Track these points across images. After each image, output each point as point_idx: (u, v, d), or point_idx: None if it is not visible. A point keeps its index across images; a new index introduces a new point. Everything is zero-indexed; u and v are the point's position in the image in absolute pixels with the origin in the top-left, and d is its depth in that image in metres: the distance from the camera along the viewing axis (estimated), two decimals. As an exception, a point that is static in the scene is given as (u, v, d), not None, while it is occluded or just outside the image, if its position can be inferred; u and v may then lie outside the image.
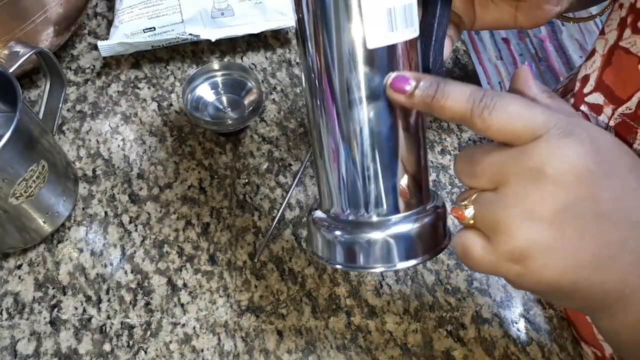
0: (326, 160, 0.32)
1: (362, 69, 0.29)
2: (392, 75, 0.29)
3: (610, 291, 0.27)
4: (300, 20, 0.30)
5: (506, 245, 0.26)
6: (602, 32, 0.44)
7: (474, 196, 0.28)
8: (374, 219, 0.31)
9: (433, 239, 0.32)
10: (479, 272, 0.34)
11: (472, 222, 0.28)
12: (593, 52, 0.45)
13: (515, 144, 0.26)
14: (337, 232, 0.32)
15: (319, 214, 0.34)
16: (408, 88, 0.28)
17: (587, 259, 0.26)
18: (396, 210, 0.31)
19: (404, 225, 0.31)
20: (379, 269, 0.31)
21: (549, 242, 0.26)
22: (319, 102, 0.31)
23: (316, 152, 0.32)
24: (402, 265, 0.31)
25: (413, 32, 0.29)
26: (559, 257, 0.26)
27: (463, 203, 0.29)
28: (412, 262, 0.31)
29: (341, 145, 0.31)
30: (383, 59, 0.29)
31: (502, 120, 0.26)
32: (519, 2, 0.38)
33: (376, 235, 0.31)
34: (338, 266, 0.32)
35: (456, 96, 0.27)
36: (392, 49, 0.29)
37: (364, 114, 0.30)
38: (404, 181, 0.31)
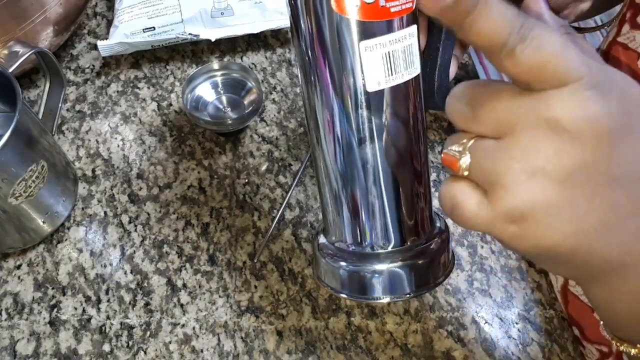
0: (329, 196, 0.32)
1: (363, 110, 0.29)
2: None
3: (610, 259, 0.24)
4: (301, 60, 0.30)
5: (505, 203, 0.23)
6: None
7: (471, 142, 0.24)
8: (380, 251, 0.31)
9: (440, 265, 0.32)
10: (467, 229, 0.32)
11: (466, 173, 0.25)
12: (597, 50, 0.45)
13: (535, 88, 0.23)
14: (342, 263, 0.32)
15: (323, 240, 0.34)
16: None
17: (593, 225, 0.23)
18: (402, 242, 0.31)
19: (410, 256, 0.31)
20: (386, 299, 0.31)
21: (554, 204, 0.23)
22: (320, 139, 0.31)
23: (320, 183, 0.32)
24: (411, 295, 0.31)
25: (414, 71, 0.29)
26: (563, 221, 0.23)
27: (457, 149, 0.25)
28: (422, 291, 0.31)
29: (345, 183, 0.31)
30: (384, 99, 0.29)
31: (533, 59, 0.22)
32: None
33: (382, 267, 0.30)
34: (343, 295, 0.32)
35: (497, 16, 0.22)
36: (393, 88, 0.29)
37: (367, 152, 0.30)
38: (408, 214, 0.31)
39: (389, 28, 0.28)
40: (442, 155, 0.26)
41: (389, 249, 0.31)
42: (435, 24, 0.34)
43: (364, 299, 0.32)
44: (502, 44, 0.22)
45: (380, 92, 0.28)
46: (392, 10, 0.28)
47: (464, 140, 0.25)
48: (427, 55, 0.35)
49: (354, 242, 0.32)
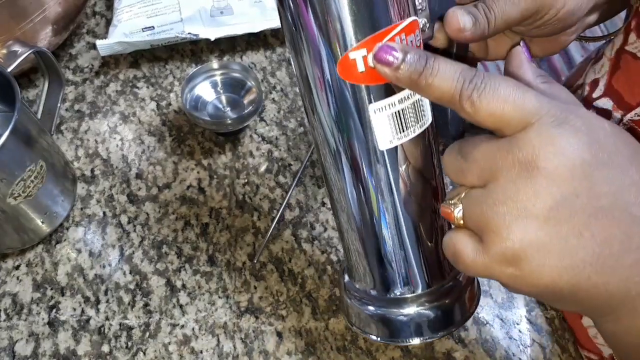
0: (352, 247, 0.33)
1: (379, 166, 0.29)
2: (378, 45, 0.26)
3: (614, 293, 0.24)
4: (313, 129, 0.31)
5: (497, 246, 0.24)
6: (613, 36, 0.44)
7: (463, 194, 0.26)
8: (406, 295, 0.32)
9: (466, 301, 0.32)
10: (472, 275, 0.33)
11: (461, 222, 0.26)
12: (601, 56, 0.45)
13: (505, 133, 0.24)
14: (370, 307, 0.33)
15: (348, 280, 0.35)
16: (393, 60, 0.26)
17: (587, 259, 0.24)
18: (427, 286, 0.32)
19: (437, 297, 0.32)
20: (416, 341, 0.32)
21: (543, 241, 0.24)
22: (339, 193, 0.32)
23: (341, 231, 0.33)
24: (443, 334, 0.32)
25: (425, 122, 0.30)
26: (555, 257, 0.24)
27: (452, 202, 0.27)
28: (452, 328, 0.32)
29: (368, 235, 0.31)
30: (398, 154, 0.29)
31: (491, 103, 0.24)
32: (534, 36, 0.37)
33: (411, 310, 0.31)
34: (373, 337, 0.33)
35: (445, 74, 0.25)
36: (406, 142, 0.29)
37: (387, 205, 0.30)
38: (432, 260, 0.32)
39: (397, 88, 0.28)
40: (440, 208, 0.28)
41: (415, 292, 0.32)
42: (445, 54, 0.34)
43: (395, 341, 0.33)
44: (457, 95, 0.24)
45: (394, 148, 0.29)
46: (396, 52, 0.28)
47: (458, 193, 0.27)
48: None
49: (380, 289, 0.32)
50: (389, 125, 0.28)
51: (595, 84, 0.45)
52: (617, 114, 0.42)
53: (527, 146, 0.23)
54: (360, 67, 0.27)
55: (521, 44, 0.30)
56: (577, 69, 0.54)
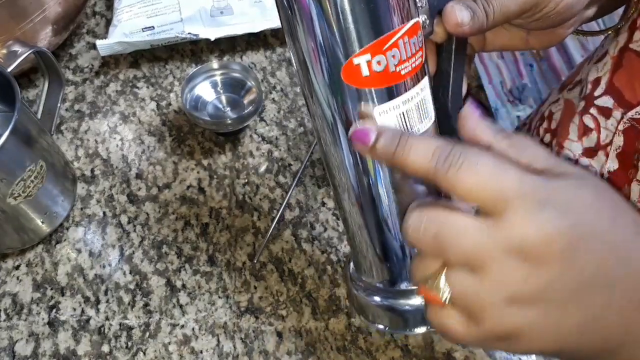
0: (359, 243, 0.33)
1: (383, 166, 0.30)
2: (354, 127, 0.28)
3: (598, 350, 0.27)
4: (316, 124, 0.31)
5: (491, 328, 0.26)
6: (616, 34, 0.44)
7: (443, 275, 0.26)
8: (413, 287, 0.32)
9: None
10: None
11: (449, 303, 0.27)
12: (605, 54, 0.44)
13: (486, 210, 0.25)
14: (377, 298, 0.33)
15: (354, 271, 0.35)
16: (368, 141, 0.27)
17: (572, 328, 0.26)
18: None
19: None
20: (422, 329, 0.33)
21: (533, 321, 0.25)
22: (344, 194, 0.32)
23: (348, 227, 0.33)
24: None
25: (428, 121, 0.30)
26: (544, 332, 0.26)
27: (435, 285, 0.27)
28: None
29: (375, 233, 0.32)
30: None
31: (469, 183, 0.24)
32: (532, 29, 0.37)
33: (417, 301, 0.32)
34: (381, 327, 0.34)
35: (419, 152, 0.26)
36: None
37: (392, 203, 0.30)
38: None
39: (401, 90, 0.28)
40: (420, 291, 0.28)
41: None
42: (444, 48, 0.34)
43: (402, 331, 0.34)
44: (431, 172, 0.25)
45: None
46: (403, 72, 0.28)
47: (435, 273, 0.27)
48: (438, 82, 0.34)
49: (387, 281, 0.33)
50: (394, 126, 0.29)
51: (597, 82, 0.45)
52: (618, 112, 0.42)
53: (513, 234, 0.24)
54: (365, 72, 0.27)
55: (469, 101, 0.30)
56: (577, 67, 0.54)
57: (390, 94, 0.28)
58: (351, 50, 0.27)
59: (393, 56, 0.27)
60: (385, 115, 0.28)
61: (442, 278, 0.26)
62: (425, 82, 0.29)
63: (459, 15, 0.31)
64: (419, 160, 0.25)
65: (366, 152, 0.28)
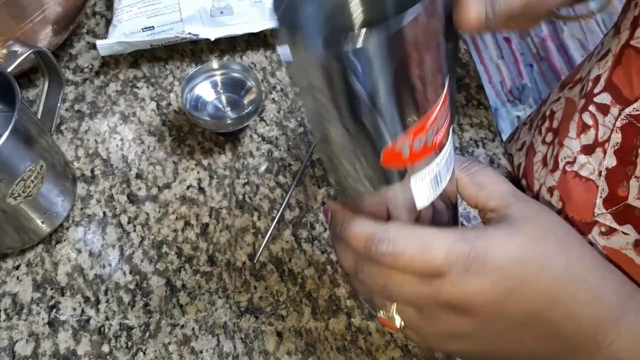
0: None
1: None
2: (325, 206, 0.33)
3: None
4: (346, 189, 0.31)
5: (436, 349, 0.36)
6: (617, 32, 0.44)
7: (394, 308, 0.32)
8: None
9: None
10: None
11: (401, 326, 0.33)
12: (607, 52, 0.44)
13: (424, 275, 0.29)
14: None
15: None
16: (326, 219, 0.32)
17: (503, 356, 0.32)
18: None
19: None
20: None
21: (468, 350, 0.32)
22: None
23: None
24: None
25: (451, 167, 0.30)
26: (479, 356, 0.33)
27: (389, 315, 0.33)
28: None
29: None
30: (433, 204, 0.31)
31: (402, 261, 0.28)
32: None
33: None
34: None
35: (354, 234, 0.29)
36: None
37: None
38: None
39: (436, 155, 0.28)
40: (378, 319, 0.34)
41: None
42: None
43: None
44: (366, 249, 0.29)
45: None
46: (439, 139, 0.28)
47: (386, 307, 0.33)
48: None
49: None
50: (428, 187, 0.29)
51: (597, 79, 0.45)
52: (615, 109, 0.42)
53: (445, 294, 0.29)
54: (406, 155, 0.26)
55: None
56: (578, 66, 0.54)
57: (427, 161, 0.28)
58: (393, 137, 0.25)
59: (433, 130, 0.27)
60: (420, 183, 0.28)
61: (394, 310, 0.32)
62: (450, 137, 0.29)
63: (471, 16, 0.33)
64: (355, 237, 0.29)
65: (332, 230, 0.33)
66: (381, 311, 0.33)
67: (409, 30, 0.22)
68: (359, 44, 0.21)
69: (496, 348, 0.31)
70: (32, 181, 0.44)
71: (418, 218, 0.30)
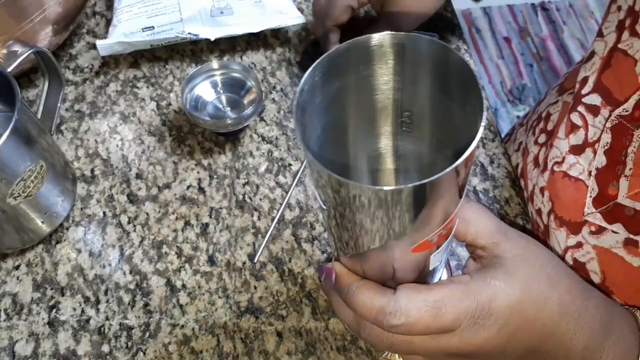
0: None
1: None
2: (328, 265, 0.34)
3: None
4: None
5: None
6: (600, 34, 0.44)
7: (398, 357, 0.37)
8: None
9: None
10: None
11: None
12: (592, 54, 0.45)
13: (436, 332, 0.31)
14: None
15: None
16: (330, 281, 0.33)
17: None
18: None
19: None
20: None
21: None
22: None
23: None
24: None
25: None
26: None
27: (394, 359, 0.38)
28: None
29: None
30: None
31: (416, 329, 0.30)
32: None
33: None
34: None
35: (363, 304, 0.31)
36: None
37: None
38: None
39: (454, 233, 0.31)
40: None
41: None
42: None
43: None
44: (374, 319, 0.31)
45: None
46: (456, 220, 0.30)
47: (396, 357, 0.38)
48: None
49: None
50: (442, 254, 0.31)
51: (585, 81, 0.45)
52: (606, 110, 0.42)
53: (454, 347, 0.31)
54: (434, 241, 0.28)
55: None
56: (574, 69, 0.54)
57: (448, 240, 0.31)
58: (425, 235, 0.27)
59: (456, 219, 0.29)
60: (437, 255, 0.30)
61: (397, 356, 0.36)
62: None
63: None
64: (363, 307, 0.31)
65: (329, 286, 0.34)
66: (384, 355, 0.36)
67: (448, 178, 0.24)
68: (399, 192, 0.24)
69: None
70: (32, 181, 0.44)
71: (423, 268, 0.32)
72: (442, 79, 0.27)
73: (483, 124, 0.24)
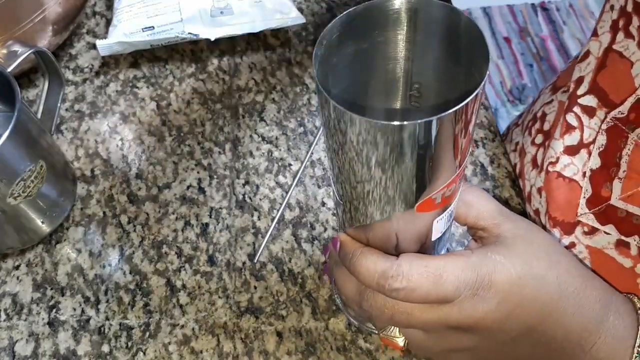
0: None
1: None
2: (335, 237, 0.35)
3: None
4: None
5: None
6: (595, 34, 0.44)
7: (397, 329, 0.36)
8: None
9: None
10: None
11: (405, 346, 0.37)
12: (587, 54, 0.45)
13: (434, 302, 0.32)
14: None
15: None
16: (335, 248, 0.34)
17: None
18: None
19: None
20: None
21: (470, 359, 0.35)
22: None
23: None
24: None
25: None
26: None
27: (392, 334, 0.37)
28: None
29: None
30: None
31: (416, 295, 0.31)
32: None
33: None
34: (371, 326, 0.43)
35: (365, 269, 0.32)
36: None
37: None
38: None
39: (456, 199, 0.31)
40: (382, 338, 0.38)
41: None
42: None
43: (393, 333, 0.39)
44: (378, 285, 0.31)
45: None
46: (459, 181, 0.30)
47: (393, 329, 0.37)
48: None
49: None
50: (444, 223, 0.32)
51: (580, 81, 0.45)
52: (601, 112, 0.42)
53: (452, 317, 0.32)
54: (438, 201, 0.29)
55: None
56: (567, 68, 0.54)
57: (451, 205, 0.31)
58: (430, 191, 0.28)
59: (460, 178, 0.30)
60: (440, 221, 0.31)
61: (397, 330, 0.35)
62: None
63: None
64: (366, 271, 0.32)
65: (335, 259, 0.36)
66: (386, 331, 0.35)
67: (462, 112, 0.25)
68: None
69: (496, 357, 0.34)
70: (32, 181, 0.44)
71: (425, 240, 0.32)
72: (451, 45, 0.28)
73: (487, 73, 0.25)
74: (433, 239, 0.32)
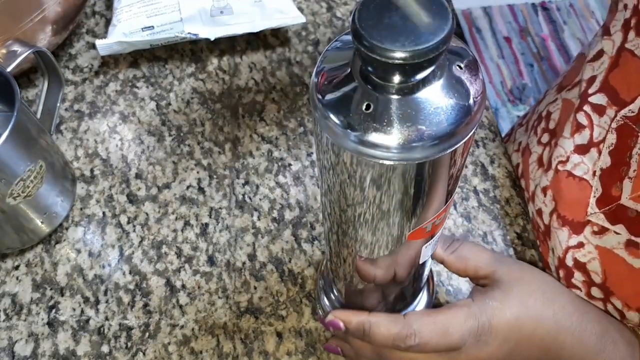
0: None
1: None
2: (328, 318, 0.37)
3: None
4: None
5: None
6: (607, 33, 0.44)
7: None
8: None
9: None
10: None
11: None
12: (601, 53, 0.44)
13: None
14: None
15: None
16: (340, 328, 0.36)
17: None
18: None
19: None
20: None
21: None
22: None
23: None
24: None
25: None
26: None
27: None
28: None
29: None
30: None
31: (428, 348, 0.34)
32: None
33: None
34: None
35: (381, 335, 0.35)
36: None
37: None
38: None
39: (444, 227, 0.34)
40: None
41: None
42: None
43: None
44: (392, 344, 0.35)
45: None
46: (449, 210, 0.31)
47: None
48: None
49: None
50: (431, 249, 0.33)
51: (592, 80, 0.45)
52: (612, 110, 0.42)
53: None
54: (428, 229, 0.30)
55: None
56: (573, 67, 0.54)
57: (439, 233, 0.33)
58: (421, 222, 0.29)
59: (449, 208, 0.31)
60: (428, 247, 0.32)
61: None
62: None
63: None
64: (382, 338, 0.35)
65: (342, 334, 0.38)
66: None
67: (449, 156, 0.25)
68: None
69: None
70: (32, 181, 0.44)
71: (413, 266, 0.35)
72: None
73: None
74: (421, 262, 0.34)
